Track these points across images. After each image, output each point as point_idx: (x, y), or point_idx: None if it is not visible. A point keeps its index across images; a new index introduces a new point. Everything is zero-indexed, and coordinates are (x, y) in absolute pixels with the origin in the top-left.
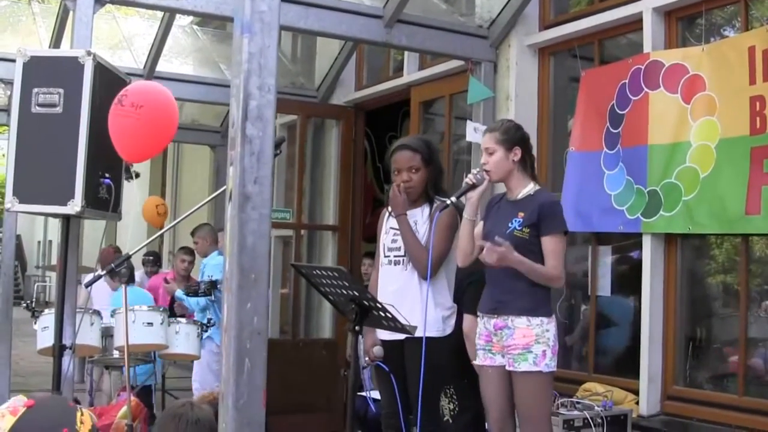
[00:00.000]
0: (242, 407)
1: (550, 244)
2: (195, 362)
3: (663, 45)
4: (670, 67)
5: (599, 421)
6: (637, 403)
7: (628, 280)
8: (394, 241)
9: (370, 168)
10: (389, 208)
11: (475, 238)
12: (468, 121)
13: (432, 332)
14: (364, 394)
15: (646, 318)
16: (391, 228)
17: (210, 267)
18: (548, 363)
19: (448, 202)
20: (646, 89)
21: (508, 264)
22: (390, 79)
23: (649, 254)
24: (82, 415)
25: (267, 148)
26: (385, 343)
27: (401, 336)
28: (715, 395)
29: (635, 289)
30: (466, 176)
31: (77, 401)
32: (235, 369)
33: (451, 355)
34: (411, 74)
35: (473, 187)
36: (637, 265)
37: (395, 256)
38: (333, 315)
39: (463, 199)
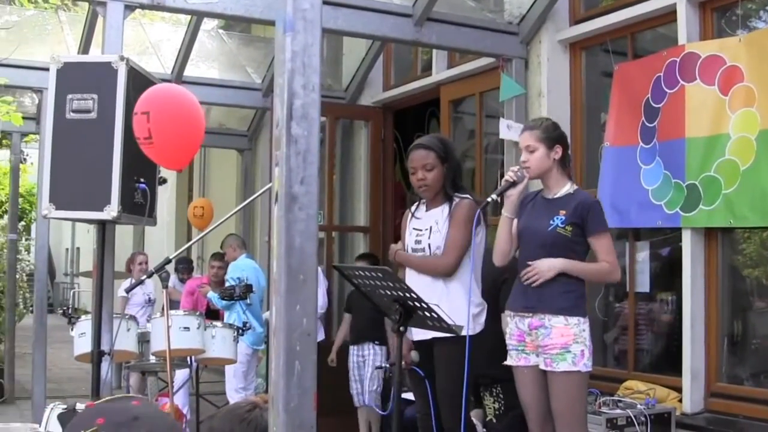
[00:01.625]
0: (293, 410)
1: (600, 242)
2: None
3: (698, 36)
4: (707, 58)
5: (643, 419)
6: (680, 400)
7: (667, 275)
8: (417, 242)
9: (398, 169)
10: (412, 209)
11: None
12: (501, 119)
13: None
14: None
15: (688, 314)
16: (414, 229)
17: (232, 268)
18: (586, 363)
19: (489, 200)
20: (682, 82)
21: (558, 270)
22: (418, 78)
23: (689, 249)
24: None
25: (313, 148)
26: (414, 343)
27: (429, 336)
28: (760, 392)
29: (675, 285)
30: (506, 174)
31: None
32: (285, 371)
33: (485, 353)
34: (440, 73)
35: (513, 184)
36: (676, 260)
37: (420, 256)
38: None
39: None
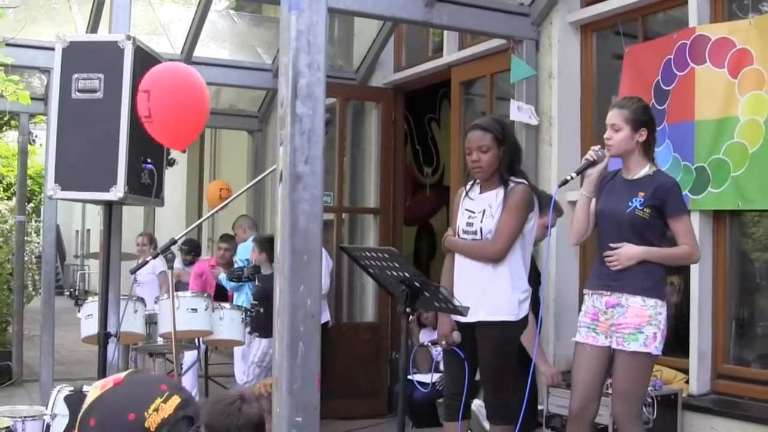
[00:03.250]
0: (296, 391)
1: (679, 225)
2: (235, 348)
3: (708, 19)
4: (717, 41)
5: (649, 401)
6: (687, 382)
7: None
8: (469, 224)
9: (409, 150)
10: (466, 188)
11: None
12: (511, 100)
13: (506, 315)
14: (408, 377)
15: (695, 296)
16: (467, 210)
17: (241, 249)
18: (657, 346)
19: (568, 177)
20: (692, 64)
21: (639, 259)
22: (429, 59)
23: (697, 231)
24: (164, 401)
25: (317, 127)
26: (458, 325)
27: (473, 318)
28: (766, 373)
29: (683, 267)
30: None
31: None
32: (288, 353)
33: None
34: (451, 54)
35: (593, 163)
36: None
37: (472, 239)
38: (376, 299)
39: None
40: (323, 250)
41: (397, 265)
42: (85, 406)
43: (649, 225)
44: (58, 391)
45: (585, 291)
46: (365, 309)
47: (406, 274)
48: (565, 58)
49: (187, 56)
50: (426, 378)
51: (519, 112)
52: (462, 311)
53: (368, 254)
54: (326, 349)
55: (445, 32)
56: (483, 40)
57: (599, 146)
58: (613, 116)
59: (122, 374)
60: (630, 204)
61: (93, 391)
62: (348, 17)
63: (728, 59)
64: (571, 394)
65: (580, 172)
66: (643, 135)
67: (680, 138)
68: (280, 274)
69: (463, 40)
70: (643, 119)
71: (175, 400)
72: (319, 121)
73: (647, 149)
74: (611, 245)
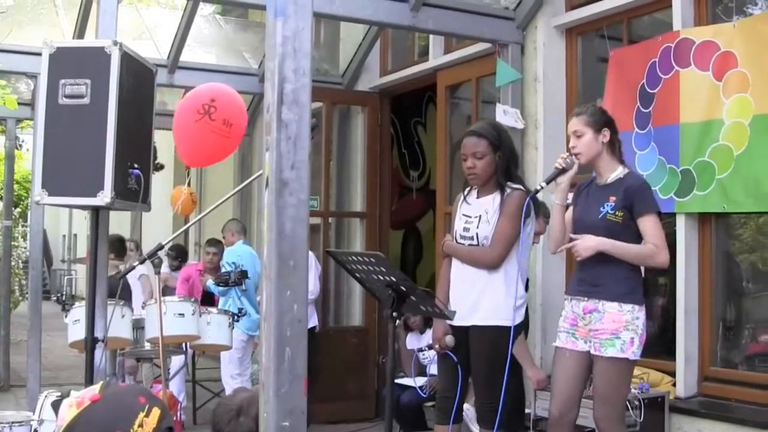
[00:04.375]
0: (284, 396)
1: (646, 224)
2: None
3: (693, 22)
4: (701, 44)
5: (636, 403)
6: (674, 385)
7: None
8: (466, 229)
9: (395, 154)
10: (464, 193)
11: (566, 225)
12: (497, 104)
13: (501, 320)
14: (396, 381)
15: (682, 299)
16: (464, 215)
17: (228, 253)
18: (635, 351)
19: (539, 187)
20: (676, 67)
21: (595, 250)
22: (415, 63)
23: (683, 234)
24: (146, 415)
25: (303, 133)
26: (452, 329)
27: (467, 322)
28: (753, 375)
29: (669, 270)
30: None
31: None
32: (275, 358)
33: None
34: (436, 58)
35: (563, 171)
36: (670, 245)
37: (469, 244)
38: (363, 303)
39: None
40: (312, 254)
41: (383, 270)
42: (62, 425)
43: (624, 229)
44: (46, 396)
45: (564, 296)
46: (352, 313)
47: (393, 279)
48: (551, 62)
49: (174, 61)
50: (413, 382)
51: (505, 116)
52: (449, 315)
53: (355, 258)
54: (313, 353)
55: (431, 36)
56: (468, 44)
57: (567, 153)
58: (574, 124)
59: (96, 389)
60: (602, 210)
61: (69, 409)
62: (334, 21)
63: (713, 62)
64: (550, 399)
65: (550, 181)
66: (606, 135)
67: (665, 141)
68: (267, 280)
69: (448, 44)
70: (603, 119)
71: (156, 411)
72: (305, 127)
73: (614, 150)
74: (571, 236)
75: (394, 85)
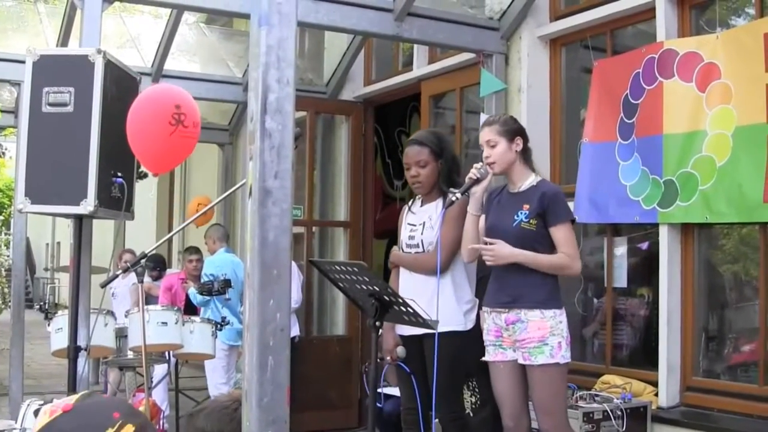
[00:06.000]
0: (266, 405)
1: (559, 233)
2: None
3: (676, 33)
4: (684, 55)
5: (619, 413)
6: (656, 394)
7: (644, 271)
8: (411, 237)
9: (379, 163)
10: (409, 204)
11: (480, 233)
12: (481, 114)
13: (453, 326)
14: (378, 390)
15: (664, 309)
16: (409, 224)
17: (207, 263)
18: (564, 354)
19: (454, 198)
20: (660, 78)
21: (507, 260)
22: (399, 73)
23: (666, 245)
24: (121, 429)
25: (287, 142)
26: (403, 339)
27: (420, 331)
28: (735, 385)
29: (652, 280)
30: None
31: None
32: (258, 367)
33: (474, 348)
34: (420, 68)
35: (477, 181)
36: (654, 255)
37: (415, 252)
38: (346, 312)
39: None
40: (294, 264)
41: (366, 279)
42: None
43: (538, 237)
44: (28, 404)
45: (483, 309)
46: (335, 322)
47: (376, 288)
48: (534, 72)
49: (158, 69)
50: (396, 391)
51: None
52: (432, 325)
53: (338, 268)
54: (295, 362)
55: (415, 46)
56: (452, 54)
57: (481, 164)
58: (486, 134)
59: (73, 399)
60: (516, 218)
61: (43, 416)
62: (319, 31)
63: (696, 73)
64: (500, 411)
65: (465, 191)
66: (519, 143)
67: (649, 151)
68: (250, 289)
69: (432, 54)
70: (515, 128)
71: (129, 429)
72: (288, 136)
73: (527, 158)
74: (485, 240)
75: (378, 94)
